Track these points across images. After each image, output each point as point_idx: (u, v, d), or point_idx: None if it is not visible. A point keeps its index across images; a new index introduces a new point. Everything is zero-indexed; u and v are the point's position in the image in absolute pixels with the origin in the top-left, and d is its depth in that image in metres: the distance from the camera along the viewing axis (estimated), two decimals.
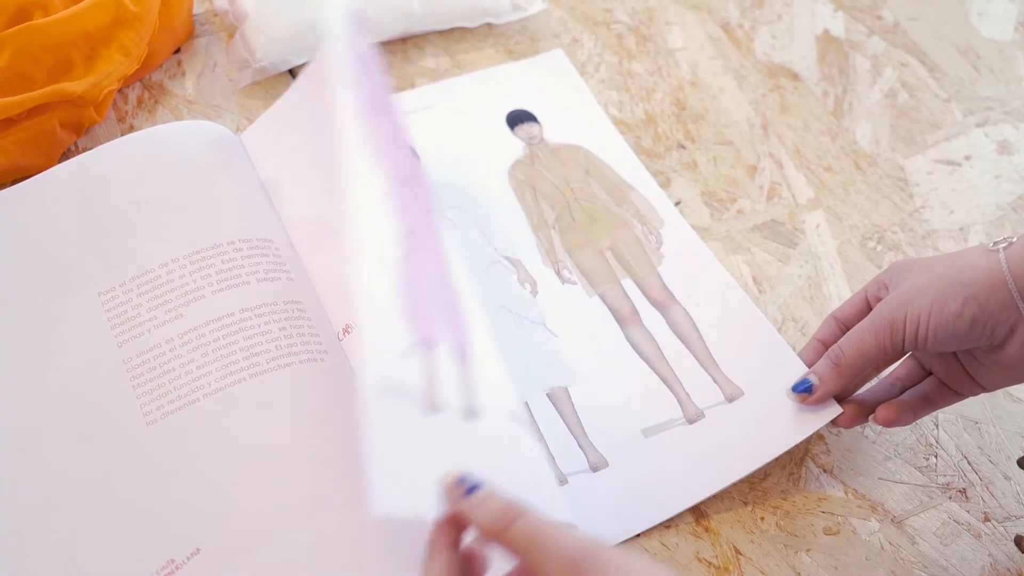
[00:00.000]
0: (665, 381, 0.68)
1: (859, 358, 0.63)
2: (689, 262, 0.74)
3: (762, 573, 0.62)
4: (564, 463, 0.64)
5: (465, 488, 0.48)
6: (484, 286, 0.71)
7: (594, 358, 0.69)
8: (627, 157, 0.80)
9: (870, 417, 0.65)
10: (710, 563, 0.62)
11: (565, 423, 0.66)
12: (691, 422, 0.67)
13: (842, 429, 0.68)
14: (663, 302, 0.72)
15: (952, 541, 0.64)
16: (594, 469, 0.64)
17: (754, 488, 0.65)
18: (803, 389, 0.65)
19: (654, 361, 0.69)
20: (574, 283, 0.73)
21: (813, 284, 0.75)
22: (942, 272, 0.60)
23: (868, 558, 0.63)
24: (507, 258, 0.73)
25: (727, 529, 0.64)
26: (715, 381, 0.68)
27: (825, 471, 0.67)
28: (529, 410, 0.66)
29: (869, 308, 0.66)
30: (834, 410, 0.65)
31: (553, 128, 0.81)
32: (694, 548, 0.63)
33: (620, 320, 0.71)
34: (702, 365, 0.69)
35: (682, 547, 0.63)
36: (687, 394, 0.68)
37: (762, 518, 0.64)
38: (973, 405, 0.70)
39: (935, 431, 0.69)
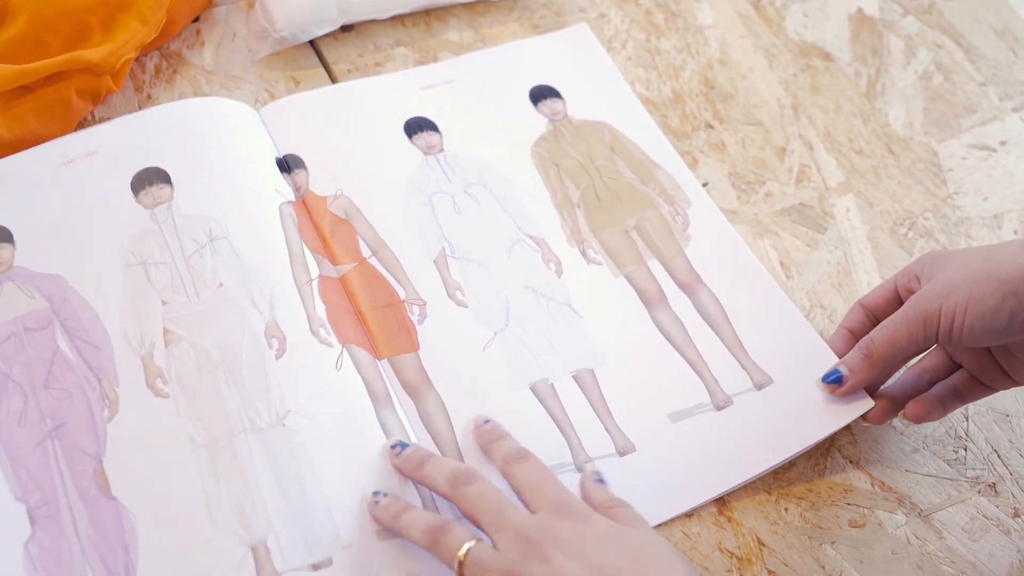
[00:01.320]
0: (692, 365, 0.67)
1: (891, 350, 0.61)
2: (717, 245, 0.72)
3: (785, 565, 0.61)
4: (591, 447, 0.63)
5: (396, 451, 0.59)
6: (508, 266, 0.70)
7: (621, 340, 0.68)
8: (653, 135, 0.78)
9: (900, 414, 0.64)
10: (732, 553, 0.61)
11: (592, 406, 0.65)
12: (719, 408, 0.65)
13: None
14: (690, 284, 0.70)
15: (981, 536, 0.63)
16: (621, 453, 0.63)
17: (778, 478, 0.64)
18: (833, 380, 0.63)
19: (681, 345, 0.68)
20: (599, 263, 0.71)
21: (842, 270, 0.74)
22: (979, 267, 0.58)
23: (894, 552, 0.62)
24: (531, 237, 0.72)
25: (750, 519, 0.62)
26: (743, 367, 0.67)
27: (851, 462, 0.65)
28: (555, 391, 0.65)
29: (898, 297, 0.65)
30: (866, 403, 0.63)
31: (577, 104, 0.79)
32: (716, 538, 0.61)
33: (646, 302, 0.70)
34: (730, 351, 0.68)
35: (704, 536, 0.61)
36: (715, 379, 0.66)
37: (786, 509, 0.63)
38: (1004, 398, 0.68)
39: (965, 424, 0.67)
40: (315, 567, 0.57)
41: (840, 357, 0.65)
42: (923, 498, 0.64)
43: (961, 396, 0.64)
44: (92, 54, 0.71)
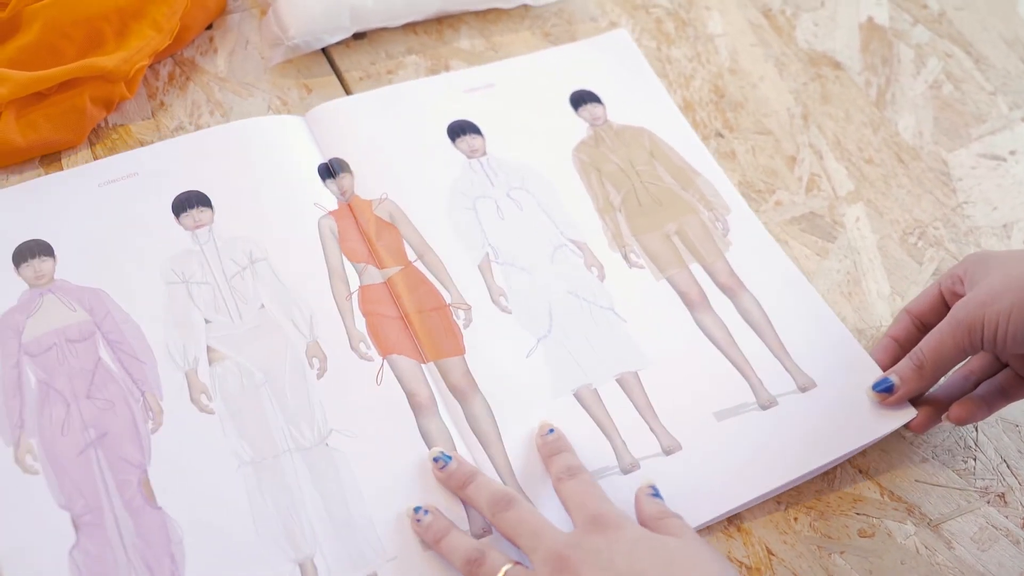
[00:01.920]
0: (736, 366, 0.67)
1: (939, 360, 0.62)
2: (756, 251, 0.73)
3: (794, 574, 0.61)
4: (636, 447, 0.64)
5: (440, 464, 0.60)
6: (551, 271, 0.70)
7: (664, 342, 0.68)
8: (692, 141, 0.78)
9: (943, 416, 0.64)
10: (741, 563, 0.61)
11: (636, 408, 0.65)
12: (764, 408, 0.66)
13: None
14: (732, 288, 0.71)
15: (990, 547, 0.63)
16: (667, 452, 0.64)
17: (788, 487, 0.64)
18: (883, 389, 0.64)
19: (725, 346, 0.68)
20: (642, 267, 0.71)
21: (852, 280, 0.74)
22: (1021, 274, 0.59)
23: (903, 562, 0.62)
24: (573, 241, 0.72)
25: (759, 529, 0.62)
26: (787, 370, 0.67)
27: (860, 472, 0.65)
28: (599, 396, 0.66)
29: (943, 301, 0.65)
30: (908, 412, 0.64)
31: (617, 110, 0.79)
32: (726, 547, 0.62)
33: (689, 304, 0.70)
34: (773, 353, 0.68)
35: (714, 546, 0.61)
36: (759, 380, 0.67)
37: (795, 518, 0.63)
38: (1014, 409, 0.68)
39: (974, 433, 0.67)
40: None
41: (883, 367, 0.66)
42: (932, 508, 0.64)
43: (1007, 395, 0.64)
44: (106, 61, 0.72)
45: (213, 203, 0.69)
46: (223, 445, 0.61)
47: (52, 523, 0.57)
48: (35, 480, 0.58)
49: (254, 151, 0.72)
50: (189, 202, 0.69)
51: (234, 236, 0.68)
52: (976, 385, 0.65)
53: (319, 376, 0.64)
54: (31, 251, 0.66)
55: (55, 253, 0.67)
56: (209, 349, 0.64)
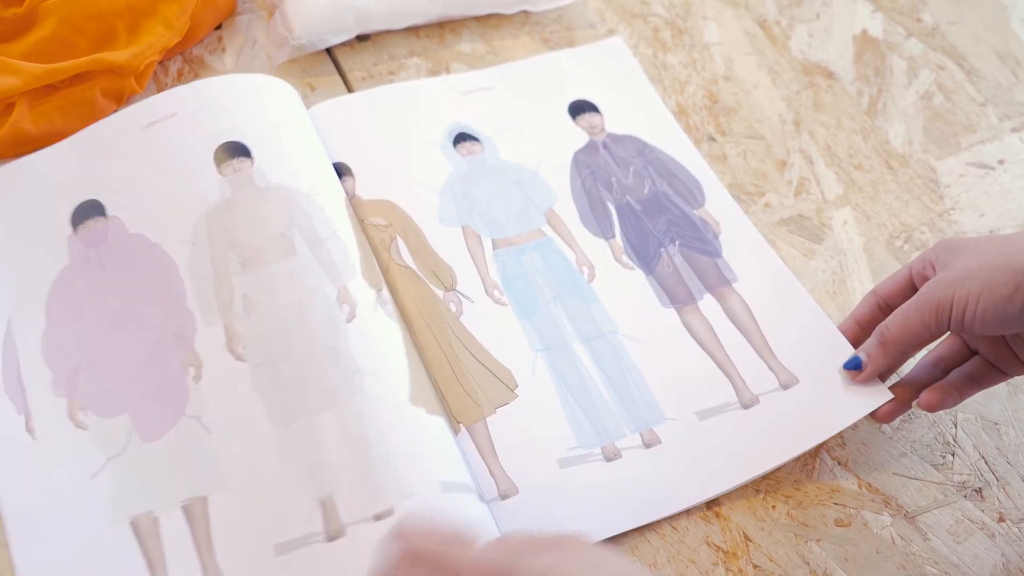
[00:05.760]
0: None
1: (904, 336, 0.63)
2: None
3: (770, 560, 0.62)
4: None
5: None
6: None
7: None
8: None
9: (914, 403, 0.65)
10: (719, 547, 0.62)
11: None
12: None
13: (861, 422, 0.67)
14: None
15: (965, 539, 0.64)
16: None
17: (767, 477, 0.65)
18: (852, 366, 0.65)
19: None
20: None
21: (837, 280, 0.75)
22: (994, 256, 0.59)
23: (879, 551, 0.63)
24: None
25: (737, 515, 0.64)
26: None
27: (839, 464, 0.66)
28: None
29: (912, 285, 0.66)
30: (884, 394, 0.65)
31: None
32: (703, 532, 0.63)
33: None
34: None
35: (691, 530, 0.63)
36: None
37: (773, 507, 0.64)
38: (993, 406, 0.69)
39: (953, 430, 0.69)
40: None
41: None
42: (909, 500, 0.65)
43: (977, 382, 0.65)
44: (117, 56, 0.74)
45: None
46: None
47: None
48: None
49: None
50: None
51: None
52: (945, 373, 0.66)
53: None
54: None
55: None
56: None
